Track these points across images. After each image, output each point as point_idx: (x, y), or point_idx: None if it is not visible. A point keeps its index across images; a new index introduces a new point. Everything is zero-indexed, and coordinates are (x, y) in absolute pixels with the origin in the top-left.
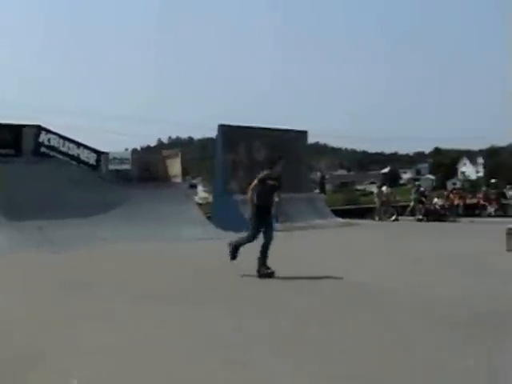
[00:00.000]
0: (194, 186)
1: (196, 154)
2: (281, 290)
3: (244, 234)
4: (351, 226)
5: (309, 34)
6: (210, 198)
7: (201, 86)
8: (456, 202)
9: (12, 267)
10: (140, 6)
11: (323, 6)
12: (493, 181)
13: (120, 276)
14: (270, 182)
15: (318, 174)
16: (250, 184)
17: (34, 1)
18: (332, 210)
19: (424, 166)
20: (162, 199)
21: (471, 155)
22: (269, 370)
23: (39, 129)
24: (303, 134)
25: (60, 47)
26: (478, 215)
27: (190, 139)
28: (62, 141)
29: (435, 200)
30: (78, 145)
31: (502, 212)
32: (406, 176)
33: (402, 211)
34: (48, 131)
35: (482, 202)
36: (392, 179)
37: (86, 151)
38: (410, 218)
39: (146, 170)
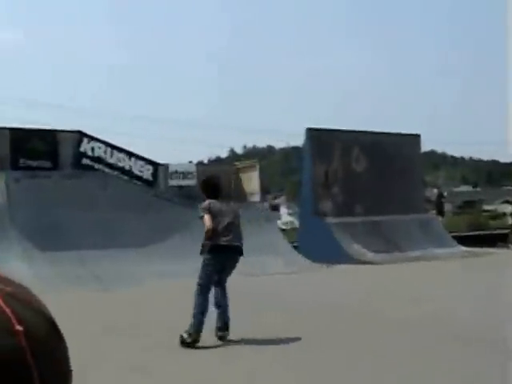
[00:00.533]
0: (275, 208)
1: (278, 167)
2: (394, 335)
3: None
4: (478, 257)
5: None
6: (296, 223)
7: (284, 91)
8: None
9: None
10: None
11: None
12: None
13: (177, 320)
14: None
15: (435, 190)
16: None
17: None
18: (453, 237)
19: None
20: None
21: None
22: None
23: (81, 135)
24: (415, 138)
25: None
26: None
27: (270, 148)
28: (109, 150)
29: None
30: (130, 155)
31: None
32: None
33: None
34: (92, 138)
35: None
36: None
37: (139, 163)
38: None
39: None
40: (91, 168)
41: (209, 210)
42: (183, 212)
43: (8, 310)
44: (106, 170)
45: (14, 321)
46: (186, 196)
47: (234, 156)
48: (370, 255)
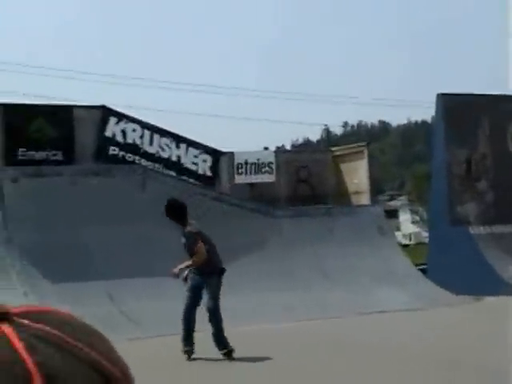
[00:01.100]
0: (393, 213)
1: (394, 153)
2: None
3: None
4: None
5: None
6: (424, 235)
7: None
8: None
9: None
10: None
11: None
12: None
13: None
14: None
15: None
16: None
17: None
18: None
19: None
20: (335, 237)
21: None
22: None
23: (106, 112)
24: None
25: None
26: None
27: (383, 126)
28: (147, 133)
29: None
30: (178, 140)
31: None
32: None
33: None
34: (122, 116)
35: None
36: None
37: (192, 151)
38: None
39: (302, 181)
40: (122, 160)
41: (200, 235)
42: (256, 222)
43: (29, 360)
44: (145, 162)
45: (35, 376)
46: (261, 198)
47: (329, 138)
48: None
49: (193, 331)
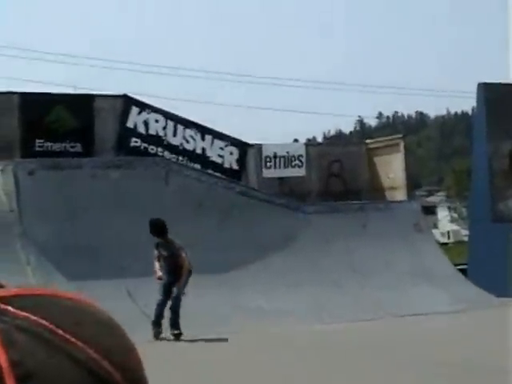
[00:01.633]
0: (430, 210)
1: (432, 146)
2: None
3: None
4: None
5: None
6: (464, 233)
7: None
8: None
9: None
10: None
11: None
12: None
13: None
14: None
15: None
16: None
17: None
18: None
19: None
20: (368, 233)
21: None
22: None
23: (127, 102)
24: None
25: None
26: None
27: (420, 118)
28: (171, 124)
29: None
30: (204, 131)
31: None
32: None
33: None
34: (145, 106)
35: None
36: None
37: (218, 143)
38: None
39: (334, 175)
40: (144, 152)
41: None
42: (285, 218)
43: (3, 356)
44: (169, 155)
45: (6, 376)
46: (290, 193)
47: (363, 130)
48: None
49: (162, 318)
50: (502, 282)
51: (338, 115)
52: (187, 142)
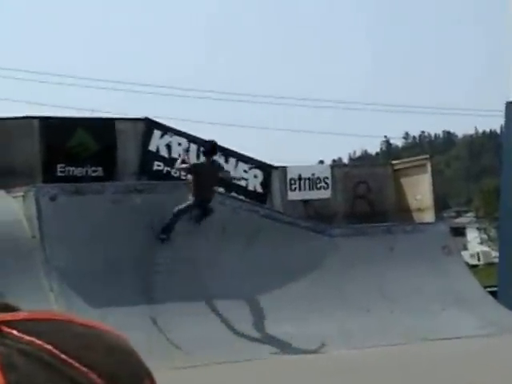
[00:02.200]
0: (459, 232)
1: (461, 166)
2: None
3: None
4: None
5: None
6: (494, 255)
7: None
8: None
9: None
10: None
11: None
12: None
13: None
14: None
15: None
16: None
17: None
18: None
19: None
20: (396, 256)
21: None
22: None
23: (150, 125)
24: None
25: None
26: None
27: (448, 137)
28: (195, 148)
29: None
30: (227, 154)
31: None
32: None
33: None
34: (167, 129)
35: None
36: None
37: (241, 166)
38: None
39: (360, 197)
40: (167, 176)
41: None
42: (311, 241)
43: (2, 380)
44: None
45: None
46: (316, 215)
47: (390, 150)
48: None
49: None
50: None
51: (364, 136)
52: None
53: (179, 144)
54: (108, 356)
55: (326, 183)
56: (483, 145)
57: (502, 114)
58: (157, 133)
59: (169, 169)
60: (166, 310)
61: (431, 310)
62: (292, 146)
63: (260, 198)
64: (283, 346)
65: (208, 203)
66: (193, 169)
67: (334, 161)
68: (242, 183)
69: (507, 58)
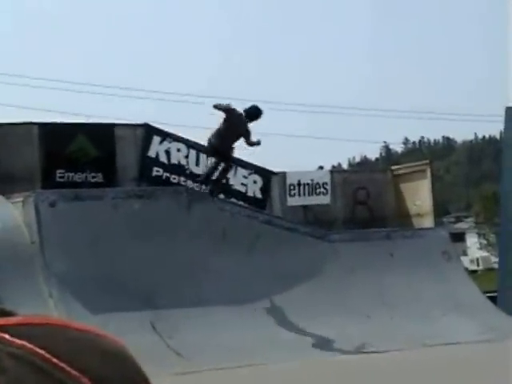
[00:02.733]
0: (459, 237)
1: (460, 172)
2: None
3: None
4: None
5: None
6: (494, 260)
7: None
8: None
9: None
10: None
11: None
12: None
13: None
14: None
15: None
16: None
17: None
18: None
19: None
20: (396, 262)
21: None
22: None
23: (149, 131)
24: None
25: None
26: None
27: (448, 143)
28: (193, 153)
29: None
30: None
31: None
32: None
33: None
34: (166, 135)
35: None
36: None
37: (241, 172)
38: None
39: (360, 203)
40: (167, 182)
41: None
42: (310, 246)
43: None
44: (190, 184)
45: None
46: (315, 221)
47: (389, 156)
48: None
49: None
50: None
51: (364, 141)
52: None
53: (178, 150)
54: (102, 361)
55: (326, 189)
56: (483, 150)
57: (502, 119)
58: (156, 139)
59: (168, 174)
60: (166, 316)
61: (431, 316)
62: (291, 151)
63: (259, 203)
64: (283, 352)
65: (226, 160)
66: (231, 111)
67: (333, 166)
68: (242, 189)
69: (507, 64)
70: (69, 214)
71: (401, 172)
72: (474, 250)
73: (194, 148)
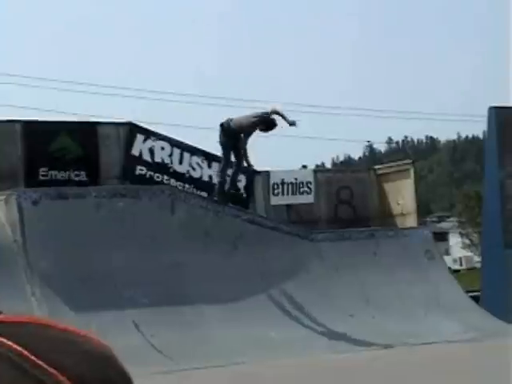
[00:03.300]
0: (442, 237)
1: (443, 172)
2: None
3: None
4: None
5: None
6: (476, 259)
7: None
8: None
9: None
10: None
11: None
12: None
13: None
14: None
15: None
16: None
17: None
18: None
19: None
20: (379, 261)
21: None
22: None
23: (133, 129)
24: None
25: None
26: None
27: (431, 142)
28: (177, 152)
29: None
30: (210, 159)
31: None
32: None
33: None
34: (150, 133)
35: None
36: None
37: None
38: None
39: (343, 202)
40: (150, 180)
41: None
42: (295, 246)
43: None
44: (174, 182)
45: None
46: (299, 220)
47: (373, 155)
48: None
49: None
50: None
51: (347, 141)
52: (193, 169)
53: (162, 148)
54: (82, 361)
55: (309, 188)
56: (466, 150)
57: (485, 119)
58: (140, 137)
59: (152, 173)
60: (149, 315)
61: (414, 315)
62: (275, 150)
63: (243, 202)
64: (268, 351)
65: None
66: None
67: (317, 165)
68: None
69: (490, 65)
70: (52, 213)
71: (384, 171)
72: (457, 249)
73: (177, 146)
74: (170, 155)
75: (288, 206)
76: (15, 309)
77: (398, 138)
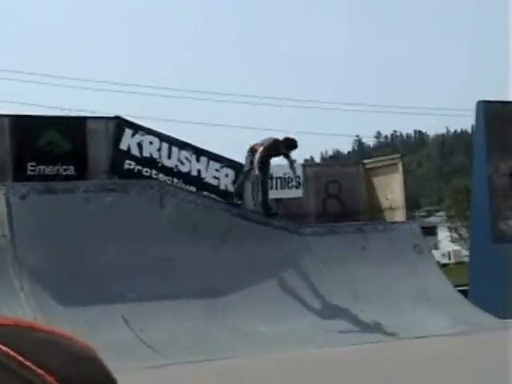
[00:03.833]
0: (430, 231)
1: (432, 166)
2: None
3: None
4: None
5: None
6: (464, 253)
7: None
8: None
9: None
10: None
11: None
12: None
13: None
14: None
15: None
16: None
17: None
18: None
19: None
20: (367, 255)
21: None
22: None
23: (121, 124)
24: None
25: None
26: None
27: (419, 136)
28: (165, 146)
29: None
30: (199, 153)
31: None
32: None
33: None
34: (138, 128)
35: None
36: None
37: (213, 165)
38: None
39: (331, 196)
40: (138, 175)
41: None
42: (284, 240)
43: None
44: (162, 177)
45: None
46: (288, 214)
47: (361, 150)
48: None
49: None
50: (503, 303)
51: (336, 135)
52: (182, 163)
53: (150, 143)
54: (68, 362)
55: (298, 182)
56: (454, 144)
57: (473, 113)
58: (128, 131)
59: (140, 167)
60: (137, 310)
61: (402, 309)
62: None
63: (231, 197)
64: (257, 345)
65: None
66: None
67: (305, 160)
68: (214, 182)
69: (478, 59)
70: (40, 207)
71: (373, 166)
72: (446, 243)
73: (166, 141)
74: (159, 150)
75: (277, 200)
76: (3, 303)
77: (386, 132)
